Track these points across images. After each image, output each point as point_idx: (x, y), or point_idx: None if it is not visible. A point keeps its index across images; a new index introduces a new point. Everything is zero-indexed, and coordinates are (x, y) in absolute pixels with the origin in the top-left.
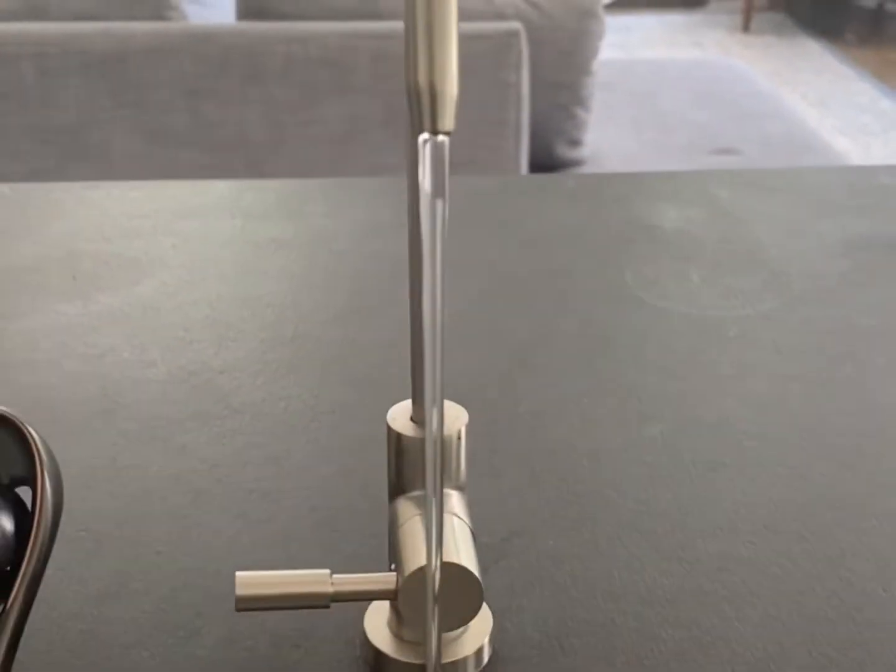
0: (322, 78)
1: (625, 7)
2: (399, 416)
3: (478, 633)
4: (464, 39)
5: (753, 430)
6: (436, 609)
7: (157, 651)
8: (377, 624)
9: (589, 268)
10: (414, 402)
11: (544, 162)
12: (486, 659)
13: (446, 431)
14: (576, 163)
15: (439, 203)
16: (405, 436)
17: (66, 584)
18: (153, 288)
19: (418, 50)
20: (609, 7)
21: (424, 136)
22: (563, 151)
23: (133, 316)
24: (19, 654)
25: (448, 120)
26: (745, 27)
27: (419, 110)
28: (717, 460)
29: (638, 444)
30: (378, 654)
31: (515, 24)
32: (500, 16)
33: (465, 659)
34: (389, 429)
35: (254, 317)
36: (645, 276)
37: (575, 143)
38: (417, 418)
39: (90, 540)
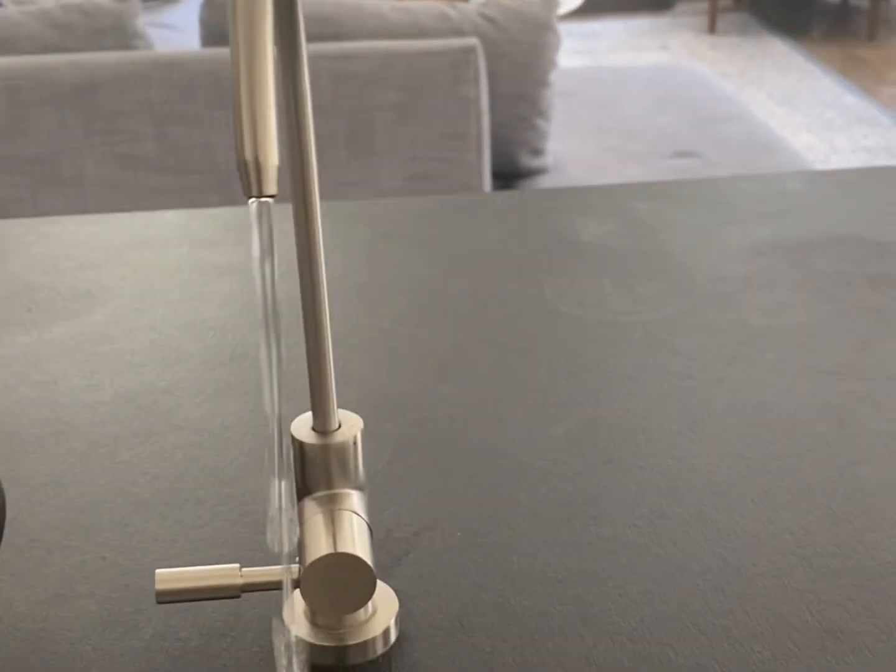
0: None
1: (591, 13)
2: (302, 426)
3: (385, 616)
4: (422, 56)
5: (648, 426)
6: (282, 482)
7: (100, 644)
8: (295, 612)
9: (510, 282)
10: (314, 412)
11: (508, 171)
12: (392, 638)
13: (343, 438)
14: (539, 171)
15: (267, 261)
16: (307, 443)
17: (18, 589)
18: (104, 316)
19: (244, 131)
20: (575, 13)
21: (252, 200)
22: (526, 161)
23: (84, 343)
24: None
25: (271, 185)
26: (711, 28)
27: (248, 180)
28: (613, 455)
29: (544, 443)
30: (296, 639)
31: (472, 40)
32: (457, 32)
33: (373, 639)
34: (294, 438)
35: (196, 340)
36: (562, 287)
37: (537, 152)
38: (318, 427)
39: (41, 549)
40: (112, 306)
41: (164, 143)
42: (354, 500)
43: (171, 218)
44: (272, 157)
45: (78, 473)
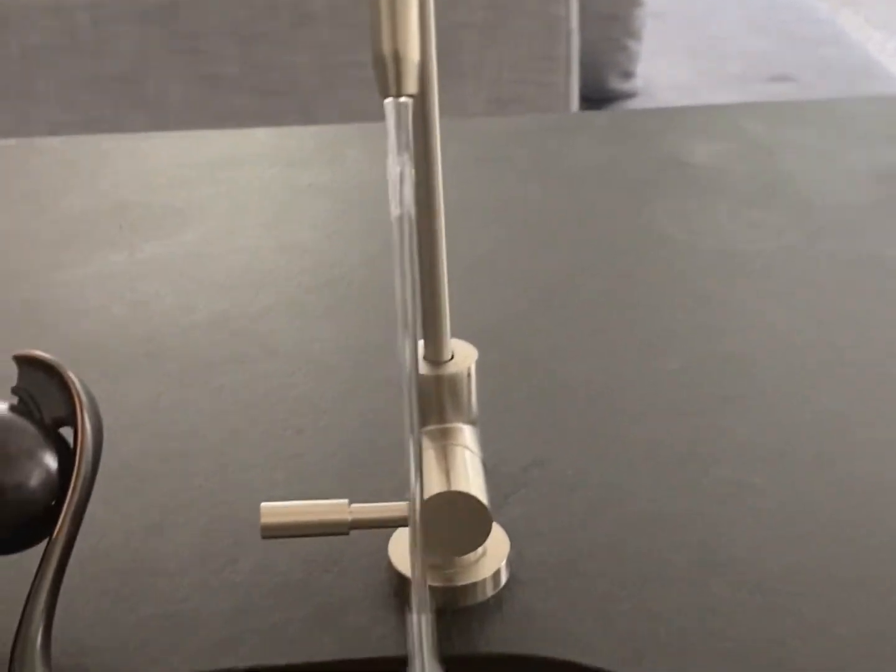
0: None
1: None
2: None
3: (495, 557)
4: None
5: (770, 363)
6: (419, 539)
7: (197, 578)
8: (401, 549)
9: (616, 205)
10: (426, 342)
11: (596, 96)
12: (503, 581)
13: (456, 369)
14: (628, 95)
15: (406, 164)
16: (420, 376)
17: (112, 517)
18: (196, 236)
19: (381, 21)
20: None
21: (389, 99)
22: (616, 84)
23: (177, 264)
24: (71, 581)
25: (411, 83)
26: None
27: (384, 76)
28: (732, 392)
29: (657, 378)
30: (401, 577)
31: None
32: None
33: (483, 581)
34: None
35: (291, 263)
36: (672, 211)
37: (627, 75)
38: (430, 357)
39: (134, 477)
40: (204, 226)
41: (246, 63)
42: (467, 436)
43: (262, 136)
44: (413, 50)
45: (171, 398)
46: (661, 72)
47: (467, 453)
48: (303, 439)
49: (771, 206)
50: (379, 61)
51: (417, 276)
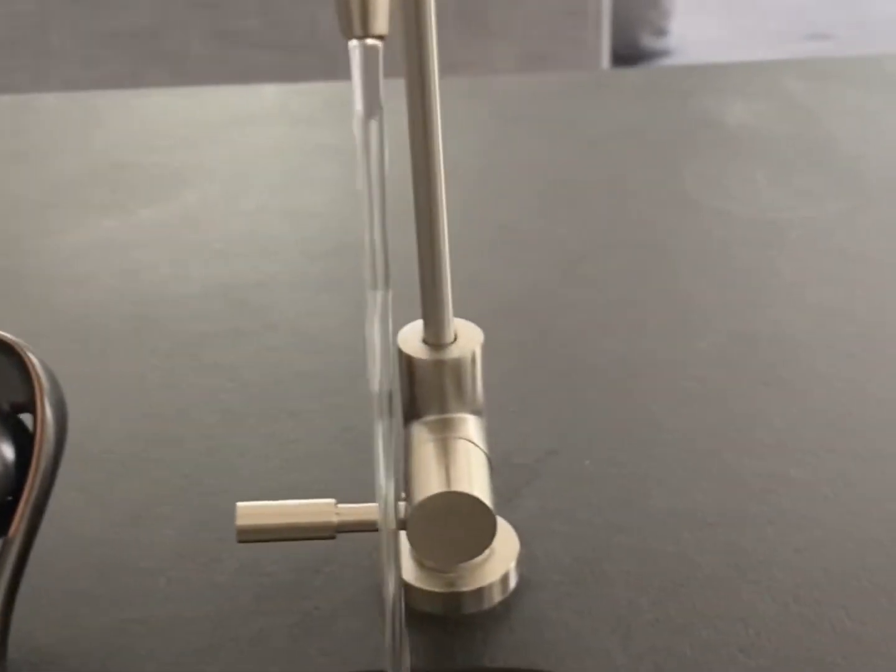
0: None
1: None
2: (410, 337)
3: (504, 559)
4: None
5: (812, 343)
6: (393, 566)
7: (177, 577)
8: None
9: (648, 170)
10: (426, 323)
11: (628, 53)
12: (512, 585)
13: (459, 353)
14: (661, 53)
15: (373, 120)
16: (417, 359)
17: (89, 507)
18: (195, 200)
19: None
20: None
21: (354, 42)
22: (648, 41)
23: (173, 230)
24: (37, 579)
25: (380, 22)
26: None
27: (348, 15)
28: (771, 375)
29: (688, 359)
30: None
31: None
32: None
33: (490, 586)
34: (400, 351)
35: (296, 228)
36: (708, 177)
37: (660, 32)
38: (430, 340)
39: (116, 462)
40: (204, 189)
41: (267, 18)
42: (471, 427)
43: (270, 93)
44: None
45: (161, 375)
46: (694, 29)
47: (470, 447)
48: (301, 423)
49: (812, 171)
50: None
51: (384, 218)
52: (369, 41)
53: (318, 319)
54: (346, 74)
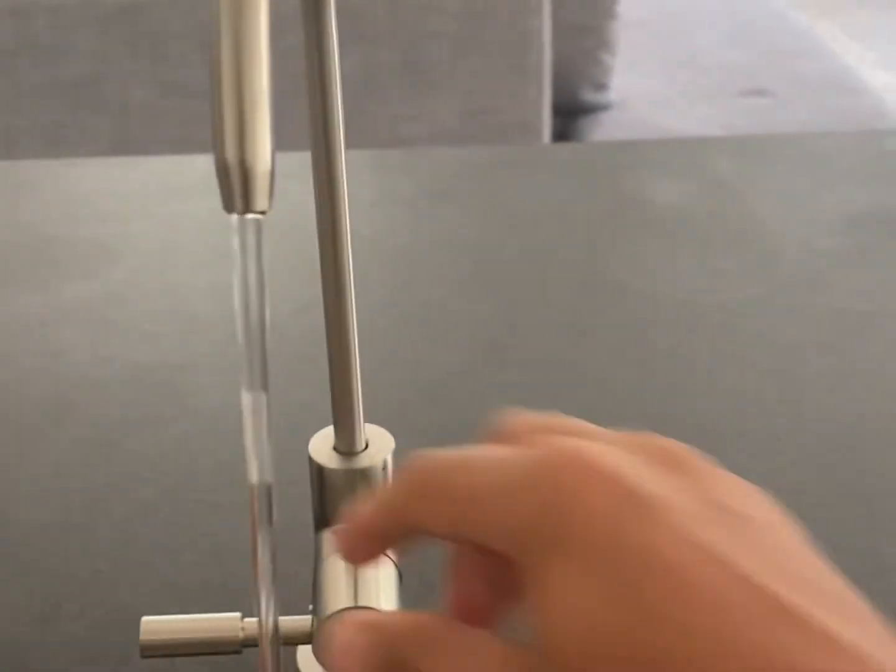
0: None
1: None
2: (321, 445)
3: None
4: None
5: (727, 431)
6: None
7: None
8: (311, 659)
9: (573, 248)
10: (336, 429)
11: (569, 107)
12: None
13: (370, 461)
14: (602, 107)
15: (254, 303)
16: (327, 468)
17: (2, 604)
18: (121, 276)
19: (225, 122)
20: None
21: (235, 217)
22: (589, 96)
23: (97, 308)
24: None
25: (262, 199)
26: None
27: (229, 190)
28: None
29: None
30: None
31: None
32: None
33: None
34: (311, 460)
35: (220, 307)
36: (630, 257)
37: (601, 87)
38: (340, 448)
39: (27, 555)
40: (131, 264)
41: (208, 69)
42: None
43: (202, 164)
44: (263, 160)
45: (76, 465)
46: (635, 84)
47: (382, 563)
48: (219, 516)
49: (734, 252)
50: (222, 170)
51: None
52: (250, 216)
53: (240, 407)
54: (287, 130)
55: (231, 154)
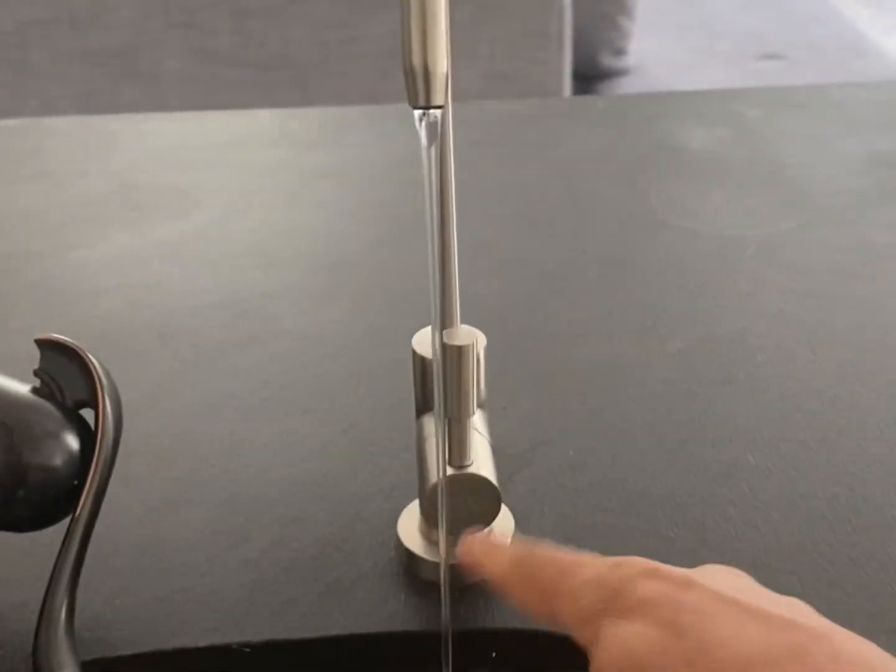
0: None
1: None
2: (423, 340)
3: (501, 535)
4: None
5: (767, 345)
6: (444, 508)
7: (213, 554)
8: (409, 527)
9: (615, 191)
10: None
11: (588, 72)
12: None
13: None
14: (621, 72)
15: (434, 165)
16: (429, 359)
17: (130, 495)
18: (204, 218)
19: (412, 35)
20: None
21: (419, 112)
22: (608, 61)
23: (186, 245)
24: (91, 557)
25: (439, 96)
26: None
27: (414, 88)
28: (731, 375)
29: (657, 361)
30: (409, 553)
31: None
32: None
33: None
34: (414, 353)
35: (297, 245)
36: (670, 197)
37: (619, 52)
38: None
39: (150, 455)
40: (212, 208)
41: (241, 38)
42: (475, 418)
43: (266, 118)
44: (441, 64)
45: (185, 379)
46: (653, 49)
47: (476, 435)
48: (312, 419)
49: (764, 192)
50: (409, 73)
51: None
52: (432, 112)
53: (323, 327)
54: (318, 93)
55: (416, 60)
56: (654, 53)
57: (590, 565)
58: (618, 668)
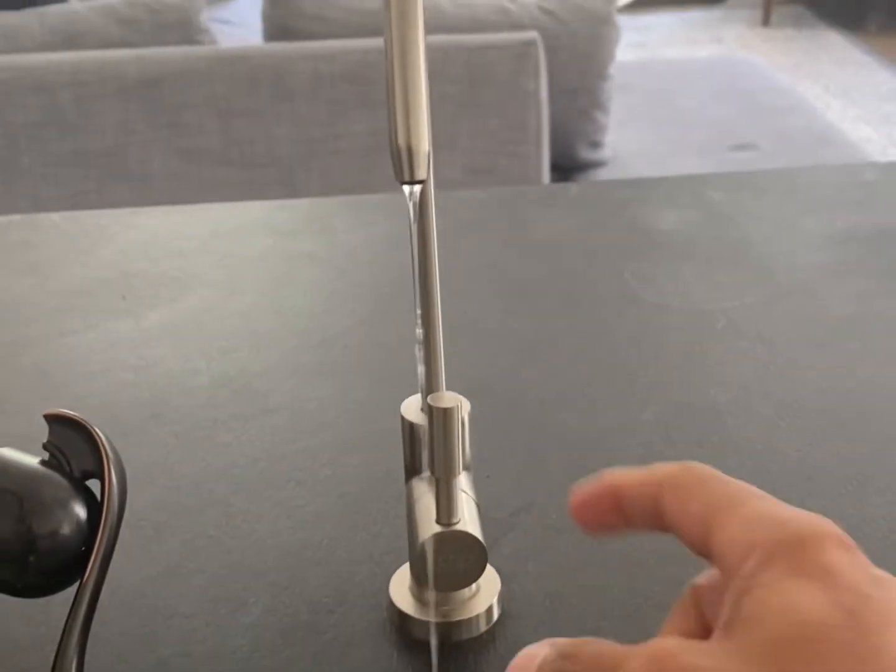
0: (347, 93)
1: (644, 6)
2: (411, 407)
3: (488, 594)
4: (483, 50)
5: (736, 411)
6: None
7: (212, 620)
8: (400, 588)
9: (592, 270)
10: (423, 394)
11: (567, 164)
12: (495, 616)
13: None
14: (598, 164)
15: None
16: (416, 424)
17: (130, 565)
18: (195, 303)
19: (397, 118)
20: (628, 7)
21: (405, 187)
22: (585, 154)
23: (179, 329)
24: (93, 624)
25: (422, 171)
26: (766, 21)
27: (400, 165)
28: (703, 438)
29: (635, 427)
30: (400, 613)
31: (532, 34)
32: (517, 26)
33: (477, 616)
34: (403, 419)
35: (286, 325)
36: (643, 275)
37: (596, 145)
38: (427, 409)
39: (149, 528)
40: (202, 293)
41: (227, 137)
42: (462, 479)
43: (253, 209)
44: (424, 143)
45: (180, 455)
46: (628, 141)
47: (463, 496)
48: (304, 490)
49: (733, 269)
50: (395, 152)
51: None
52: (416, 186)
53: (312, 402)
54: (303, 188)
55: (402, 140)
56: (629, 145)
57: (769, 499)
58: (776, 630)
